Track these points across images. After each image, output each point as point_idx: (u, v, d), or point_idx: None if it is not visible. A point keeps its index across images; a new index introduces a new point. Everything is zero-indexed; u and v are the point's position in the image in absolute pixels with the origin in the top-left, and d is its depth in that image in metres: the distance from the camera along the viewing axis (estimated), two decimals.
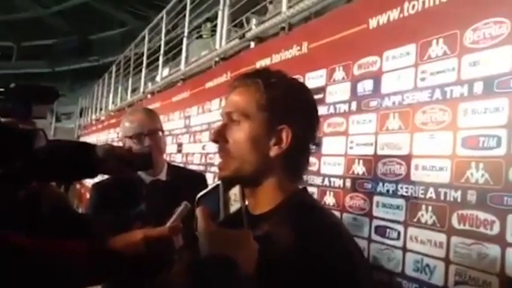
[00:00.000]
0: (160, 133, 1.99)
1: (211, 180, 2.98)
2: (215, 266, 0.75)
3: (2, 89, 1.04)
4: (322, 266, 0.84)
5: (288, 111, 0.99)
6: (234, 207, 0.81)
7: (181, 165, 3.88)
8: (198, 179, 2.21)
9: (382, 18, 1.87)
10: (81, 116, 16.11)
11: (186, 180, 1.99)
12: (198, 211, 0.81)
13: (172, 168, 2.12)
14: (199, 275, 0.76)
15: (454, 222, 1.44)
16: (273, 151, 0.99)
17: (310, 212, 0.98)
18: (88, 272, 0.84)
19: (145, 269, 0.88)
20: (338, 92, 2.08)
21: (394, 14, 1.81)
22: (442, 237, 1.48)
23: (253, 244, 0.81)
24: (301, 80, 2.24)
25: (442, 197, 1.49)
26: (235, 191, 0.82)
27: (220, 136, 1.03)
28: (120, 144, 1.99)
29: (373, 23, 1.92)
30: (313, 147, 1.05)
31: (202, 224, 0.79)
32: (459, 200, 1.44)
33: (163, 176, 2.03)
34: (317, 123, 1.06)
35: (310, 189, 2.15)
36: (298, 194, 1.05)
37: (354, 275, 0.87)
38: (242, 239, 0.80)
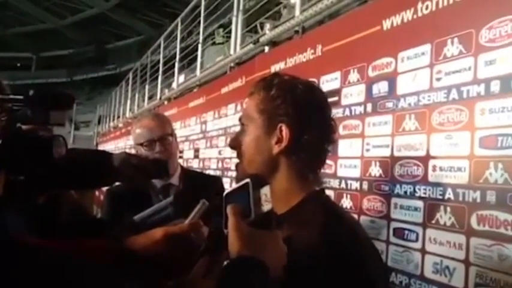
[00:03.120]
0: (170, 138, 1.97)
1: (229, 185, 2.99)
2: (244, 267, 0.74)
3: (21, 97, 1.06)
4: (337, 271, 0.86)
5: (284, 109, 1.01)
6: (265, 207, 0.80)
7: (198, 170, 3.90)
8: (213, 182, 2.21)
9: (396, 20, 1.86)
10: (99, 123, 16.30)
11: (200, 184, 1.99)
12: (229, 209, 0.80)
13: (186, 173, 2.12)
14: (227, 274, 0.74)
15: (473, 223, 1.42)
16: (275, 149, 1.02)
17: (327, 215, 1.00)
18: (107, 271, 0.83)
19: (166, 268, 0.87)
20: (353, 94, 2.07)
21: (407, 15, 1.80)
22: (461, 239, 1.46)
23: (283, 246, 0.81)
24: (315, 83, 2.25)
25: (460, 198, 1.48)
26: (265, 191, 0.81)
27: (234, 142, 1.09)
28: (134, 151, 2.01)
29: (387, 24, 1.91)
30: (327, 146, 1.06)
31: (232, 223, 0.78)
32: (478, 200, 1.42)
33: (175, 181, 2.02)
34: (324, 121, 1.06)
35: (327, 192, 2.14)
36: (315, 195, 1.06)
37: (369, 280, 0.89)
38: (272, 240, 0.80)
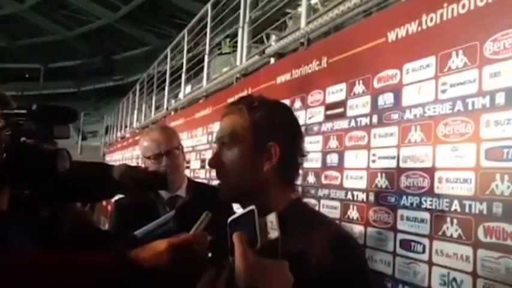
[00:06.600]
0: (177, 151, 2.00)
1: None
2: None
3: (25, 111, 1.07)
4: (329, 272, 0.94)
5: (273, 129, 1.12)
6: (271, 235, 0.78)
7: (205, 181, 3.91)
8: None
9: (401, 32, 1.87)
10: (106, 133, 16.39)
11: (207, 196, 2.00)
12: (235, 237, 0.78)
13: (193, 184, 2.14)
14: None
15: (480, 235, 1.42)
16: (265, 166, 1.12)
17: (312, 220, 1.11)
18: (111, 284, 0.83)
19: (171, 280, 0.87)
20: (359, 106, 2.08)
21: (412, 27, 1.81)
22: (468, 251, 1.45)
23: (289, 276, 0.80)
24: (319, 94, 2.26)
25: (467, 210, 1.48)
26: (271, 219, 0.79)
27: (215, 161, 1.15)
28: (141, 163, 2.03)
29: (391, 36, 1.92)
30: (302, 158, 1.18)
31: (240, 251, 0.77)
32: (485, 212, 1.42)
33: (182, 193, 2.04)
34: (300, 137, 1.20)
35: (333, 203, 2.15)
36: (295, 203, 1.17)
37: (363, 278, 1.00)
38: (279, 270, 0.79)
